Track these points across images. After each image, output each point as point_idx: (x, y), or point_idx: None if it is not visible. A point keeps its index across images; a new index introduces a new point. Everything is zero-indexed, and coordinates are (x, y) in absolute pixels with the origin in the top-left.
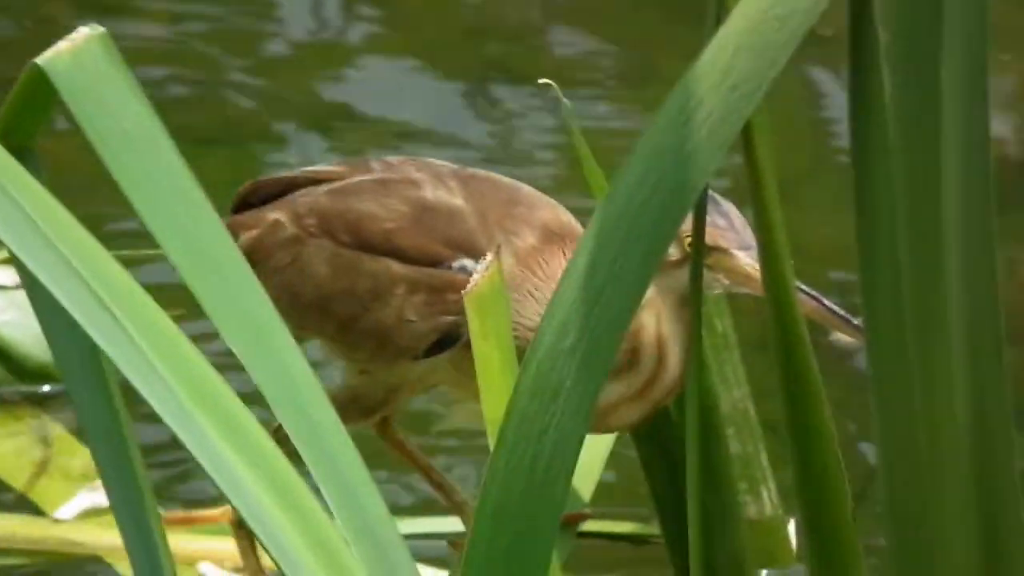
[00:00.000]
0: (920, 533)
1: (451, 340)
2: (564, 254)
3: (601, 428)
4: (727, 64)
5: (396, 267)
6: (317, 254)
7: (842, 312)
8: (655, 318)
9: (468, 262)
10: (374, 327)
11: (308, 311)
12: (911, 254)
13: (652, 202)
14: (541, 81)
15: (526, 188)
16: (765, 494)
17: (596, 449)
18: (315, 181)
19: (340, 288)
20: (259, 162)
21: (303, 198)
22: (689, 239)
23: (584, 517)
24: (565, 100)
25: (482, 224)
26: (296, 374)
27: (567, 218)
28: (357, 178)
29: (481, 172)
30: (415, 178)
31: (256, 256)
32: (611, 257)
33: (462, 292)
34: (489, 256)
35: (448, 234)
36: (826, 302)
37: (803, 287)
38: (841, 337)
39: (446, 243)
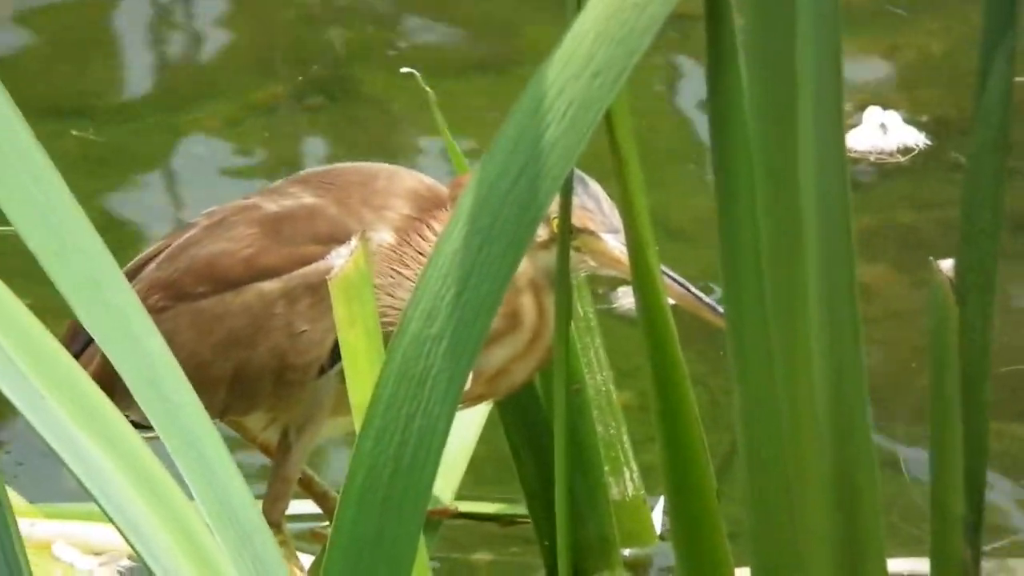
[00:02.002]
0: (779, 513)
1: None
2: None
3: (499, 391)
4: (588, 52)
5: (266, 286)
6: (176, 323)
7: (705, 298)
8: (527, 279)
9: (344, 249)
10: (267, 361)
11: (199, 389)
12: (771, 236)
13: (516, 189)
14: (404, 70)
15: (377, 164)
16: (627, 475)
17: (464, 436)
18: (137, 269)
19: (215, 341)
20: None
21: (136, 287)
22: (556, 220)
23: (450, 513)
24: (428, 89)
25: (345, 209)
26: (152, 351)
27: (431, 182)
28: (183, 237)
29: (319, 168)
30: (249, 203)
31: None
32: (477, 244)
33: (327, 278)
34: (353, 240)
35: (312, 232)
36: (691, 288)
37: (668, 272)
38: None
39: (314, 241)
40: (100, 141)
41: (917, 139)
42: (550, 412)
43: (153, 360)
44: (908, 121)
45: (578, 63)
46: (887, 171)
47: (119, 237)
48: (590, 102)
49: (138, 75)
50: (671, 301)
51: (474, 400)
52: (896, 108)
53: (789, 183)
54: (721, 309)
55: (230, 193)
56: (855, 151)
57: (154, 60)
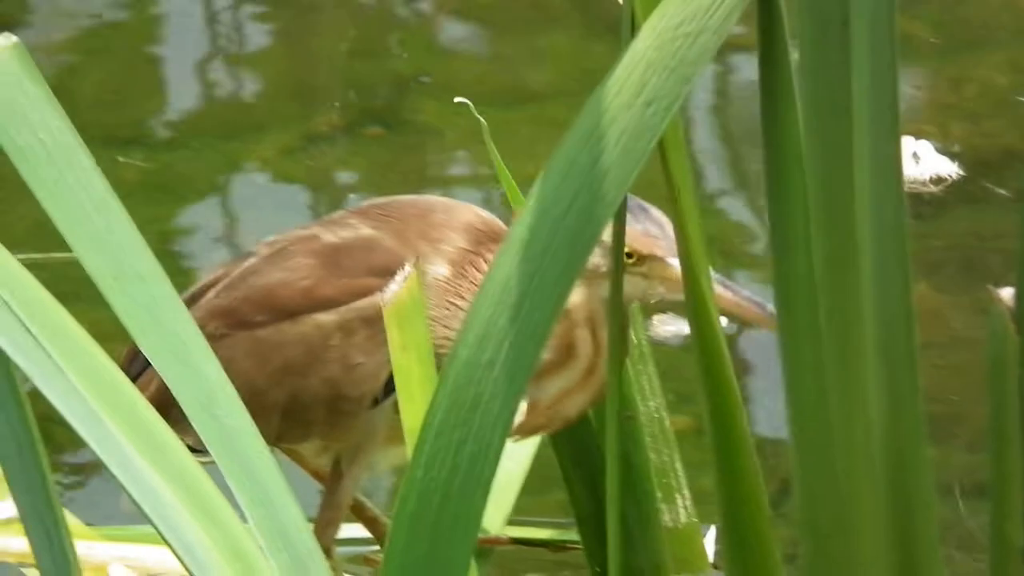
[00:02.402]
0: (834, 541)
1: None
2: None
3: (555, 423)
4: (640, 80)
5: (323, 317)
6: (234, 351)
7: (758, 299)
8: (585, 311)
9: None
10: (321, 391)
11: (254, 415)
12: (825, 264)
13: (568, 217)
14: (457, 100)
15: (434, 198)
16: (680, 502)
17: (516, 462)
18: (196, 296)
19: (271, 371)
20: None
21: (195, 314)
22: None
23: (502, 542)
24: (481, 118)
25: (402, 242)
26: (208, 376)
27: (488, 215)
28: (243, 266)
29: (379, 199)
30: (309, 234)
31: None
32: (529, 272)
33: (382, 305)
34: (408, 266)
35: (370, 264)
36: (744, 292)
37: (721, 280)
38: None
39: (371, 273)
40: (153, 169)
41: (950, 169)
42: (602, 437)
43: (210, 385)
44: (940, 151)
45: (630, 92)
46: (920, 201)
47: (175, 263)
48: (642, 130)
49: (188, 103)
50: (724, 321)
51: (530, 432)
52: (928, 138)
53: (845, 214)
54: (771, 308)
55: (285, 221)
56: None
57: (203, 88)
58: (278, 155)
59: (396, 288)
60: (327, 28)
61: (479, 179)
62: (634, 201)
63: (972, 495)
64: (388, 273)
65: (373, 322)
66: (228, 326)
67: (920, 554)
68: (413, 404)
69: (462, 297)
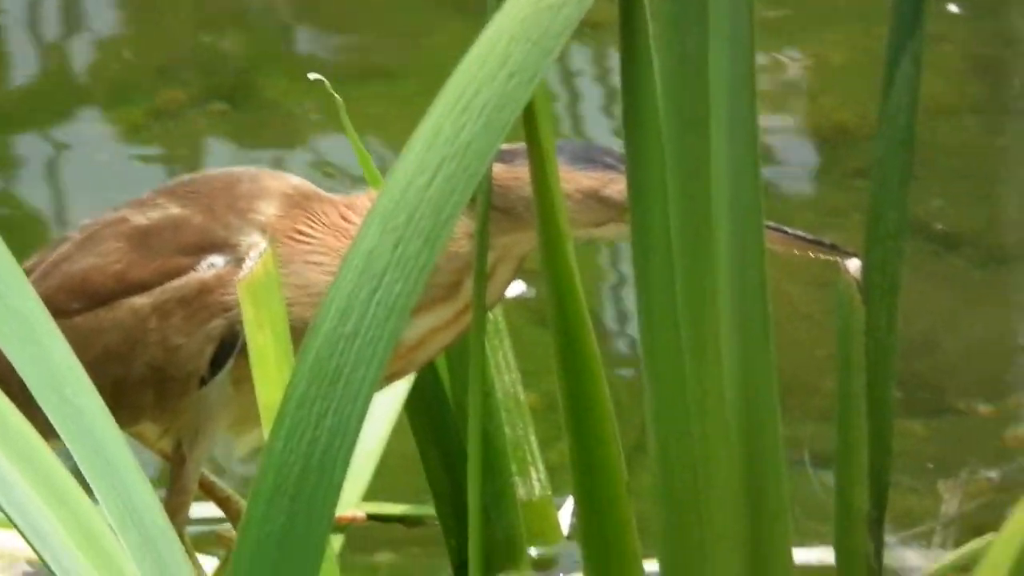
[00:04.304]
0: (689, 505)
1: (231, 344)
2: (323, 213)
3: (416, 364)
4: (503, 52)
5: (137, 301)
6: None
7: (810, 236)
8: (501, 252)
9: (214, 258)
10: (145, 375)
11: None
12: (681, 234)
13: (432, 187)
14: (312, 75)
15: (240, 169)
16: (534, 475)
17: (371, 440)
18: None
19: (92, 358)
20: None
21: None
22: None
23: (358, 520)
24: (336, 95)
25: (211, 217)
26: (55, 355)
27: (296, 180)
28: (54, 254)
29: (184, 176)
30: (118, 216)
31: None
32: (392, 243)
33: (226, 282)
34: (261, 243)
35: (180, 242)
36: (789, 230)
37: (773, 225)
38: None
39: (182, 252)
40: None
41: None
42: (459, 413)
43: (56, 364)
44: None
45: (494, 63)
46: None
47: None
48: (505, 101)
49: (29, 76)
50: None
51: (391, 377)
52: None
53: (702, 184)
54: (829, 241)
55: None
56: None
57: (46, 62)
58: (126, 130)
59: (250, 263)
60: (174, 1)
61: (328, 156)
62: (614, 154)
63: (818, 466)
64: (199, 251)
65: (188, 301)
66: None
67: (770, 518)
68: (270, 380)
69: (295, 264)
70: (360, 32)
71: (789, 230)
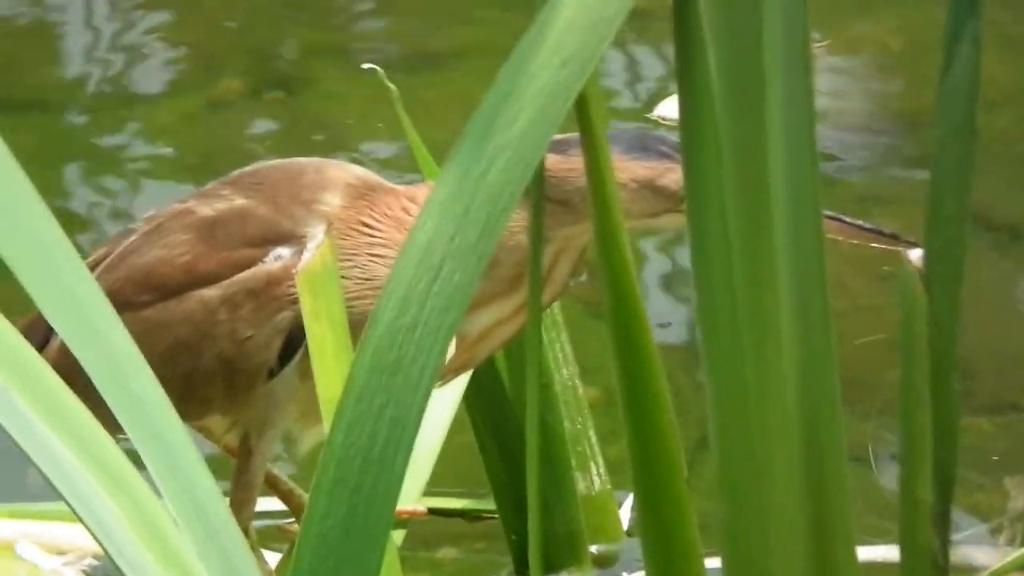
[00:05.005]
0: (751, 502)
1: (299, 336)
2: (386, 205)
3: (479, 357)
4: (557, 40)
5: (206, 293)
6: None
7: (869, 225)
8: (562, 244)
9: (281, 250)
10: (215, 367)
11: None
12: (740, 227)
13: (488, 176)
14: (366, 66)
15: (304, 159)
16: (594, 469)
17: (431, 434)
18: None
19: (161, 351)
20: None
21: None
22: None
23: (419, 514)
24: (390, 84)
25: (276, 208)
26: (117, 346)
27: (360, 171)
28: (120, 247)
29: (248, 168)
30: (184, 208)
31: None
32: (449, 234)
33: (293, 273)
34: (319, 234)
35: (247, 234)
36: (848, 219)
37: (833, 215)
38: None
39: (249, 243)
40: (54, 134)
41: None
42: (518, 408)
43: (119, 356)
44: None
45: (547, 51)
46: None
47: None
48: (559, 89)
49: (83, 69)
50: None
51: (455, 371)
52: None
53: (759, 175)
54: (890, 231)
55: (186, 191)
56: None
57: (102, 52)
58: (179, 121)
59: (308, 255)
60: None
61: (384, 146)
62: (669, 142)
63: (882, 461)
64: (264, 242)
65: (257, 293)
66: (113, 308)
67: (833, 513)
68: (328, 372)
69: (355, 254)
70: (412, 18)
71: (848, 219)
